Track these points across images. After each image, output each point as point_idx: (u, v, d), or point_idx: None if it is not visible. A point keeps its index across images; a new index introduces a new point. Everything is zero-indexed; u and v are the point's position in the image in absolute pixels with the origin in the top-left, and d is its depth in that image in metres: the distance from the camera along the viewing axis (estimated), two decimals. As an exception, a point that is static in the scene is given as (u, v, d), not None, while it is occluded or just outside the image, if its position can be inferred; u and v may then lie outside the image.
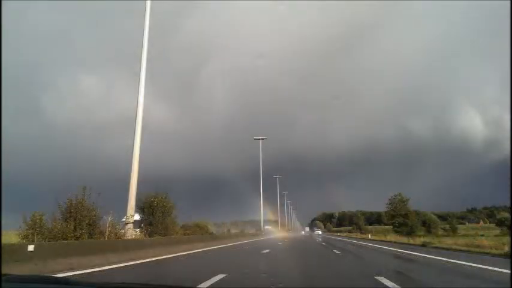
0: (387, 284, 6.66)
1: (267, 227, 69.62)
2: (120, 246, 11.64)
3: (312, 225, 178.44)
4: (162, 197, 20.78)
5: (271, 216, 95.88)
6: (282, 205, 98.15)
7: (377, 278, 7.61)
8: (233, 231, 62.87)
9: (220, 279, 7.13)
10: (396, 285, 6.48)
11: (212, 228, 51.78)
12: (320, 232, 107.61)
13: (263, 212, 66.68)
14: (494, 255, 15.30)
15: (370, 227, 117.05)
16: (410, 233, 48.84)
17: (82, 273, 7.93)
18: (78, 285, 2.34)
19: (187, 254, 15.09)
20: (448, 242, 25.72)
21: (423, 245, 24.17)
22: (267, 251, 18.01)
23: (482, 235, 43.55)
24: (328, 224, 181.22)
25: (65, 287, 2.22)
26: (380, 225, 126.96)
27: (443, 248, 20.61)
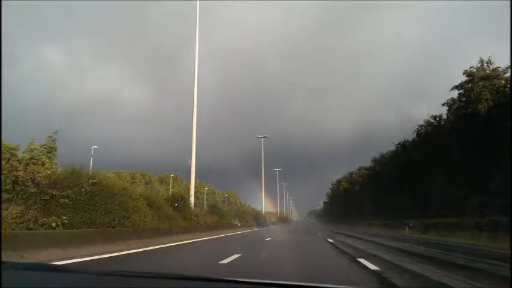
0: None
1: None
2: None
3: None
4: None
5: (270, 207, 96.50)
6: (277, 195, 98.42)
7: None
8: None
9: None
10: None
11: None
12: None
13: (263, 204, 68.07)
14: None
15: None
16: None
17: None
18: (77, 273, 2.33)
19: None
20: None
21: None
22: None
23: None
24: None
25: (64, 274, 2.21)
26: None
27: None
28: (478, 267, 8.84)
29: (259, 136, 62.00)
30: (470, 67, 29.81)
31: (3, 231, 8.08)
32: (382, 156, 52.75)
